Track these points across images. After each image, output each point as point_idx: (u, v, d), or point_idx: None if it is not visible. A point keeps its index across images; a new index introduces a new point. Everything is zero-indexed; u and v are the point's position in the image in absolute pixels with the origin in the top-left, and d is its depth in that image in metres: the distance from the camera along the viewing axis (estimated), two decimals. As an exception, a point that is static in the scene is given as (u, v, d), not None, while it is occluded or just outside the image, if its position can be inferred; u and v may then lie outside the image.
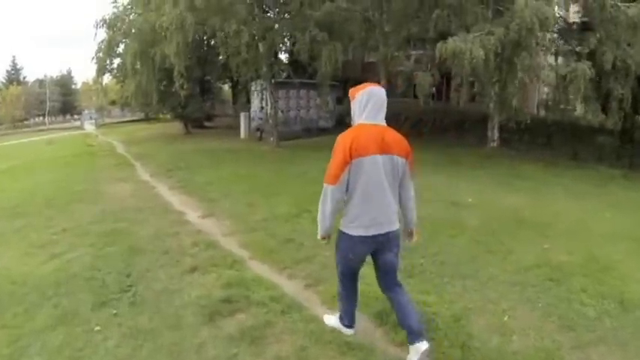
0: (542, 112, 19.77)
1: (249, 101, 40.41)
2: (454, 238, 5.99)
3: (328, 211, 2.98)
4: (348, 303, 3.43)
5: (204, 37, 26.72)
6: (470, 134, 18.73)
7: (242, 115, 22.61)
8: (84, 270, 5.08)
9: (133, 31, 18.48)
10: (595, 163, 14.41)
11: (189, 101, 24.53)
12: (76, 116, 61.74)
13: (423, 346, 3.02)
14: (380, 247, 3.06)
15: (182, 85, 16.20)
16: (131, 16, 19.54)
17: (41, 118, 61.52)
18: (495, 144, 16.54)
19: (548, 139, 16.50)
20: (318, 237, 3.13)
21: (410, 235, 3.34)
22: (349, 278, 3.32)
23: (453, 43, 12.95)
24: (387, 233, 3.02)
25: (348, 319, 3.46)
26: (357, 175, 2.90)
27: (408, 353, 3.12)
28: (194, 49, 23.63)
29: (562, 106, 16.59)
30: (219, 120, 34.20)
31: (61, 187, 9.96)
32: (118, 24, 19.74)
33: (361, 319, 3.68)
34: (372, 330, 3.70)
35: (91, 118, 45.86)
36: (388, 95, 3.21)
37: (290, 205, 7.74)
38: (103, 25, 19.80)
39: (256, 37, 15.37)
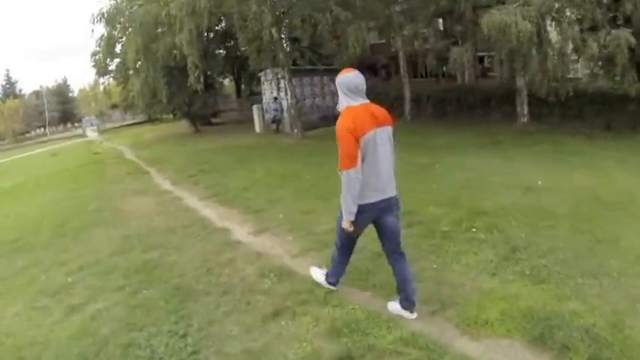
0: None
1: (252, 93, 39.10)
2: (554, 228, 5.20)
3: (354, 192, 3.13)
4: (341, 267, 3.78)
5: (205, 30, 25.23)
6: (495, 111, 17.85)
7: (255, 108, 20.98)
8: (118, 331, 3.64)
9: (134, 25, 16.66)
10: (631, 133, 13.75)
11: (194, 98, 22.98)
12: (76, 124, 60.42)
13: (412, 316, 3.43)
14: (381, 214, 3.28)
15: (198, 77, 14.52)
16: (132, 9, 17.61)
17: (42, 129, 60.17)
18: (526, 119, 15.72)
19: (579, 111, 15.46)
20: (345, 225, 3.27)
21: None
22: (348, 247, 3.63)
23: (498, 15, 11.97)
24: (389, 198, 3.27)
25: (335, 279, 3.84)
26: (364, 152, 3.11)
27: (394, 304, 3.53)
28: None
29: (570, 76, 15.96)
30: (225, 115, 32.79)
31: (70, 208, 8.42)
32: (117, 17, 17.84)
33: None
34: None
35: (92, 124, 44.32)
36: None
37: None
38: (100, 19, 17.88)
39: (270, 22, 13.64)
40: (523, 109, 15.75)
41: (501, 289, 3.73)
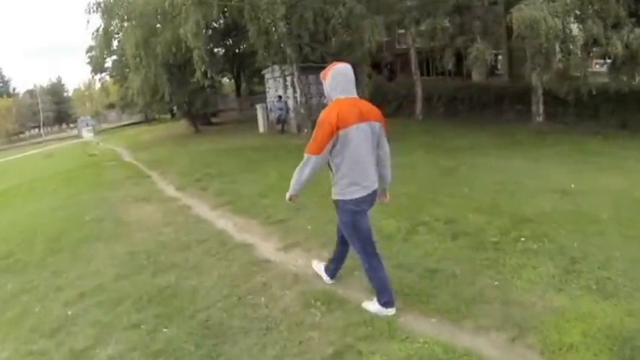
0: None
1: (252, 92, 38.28)
2: (603, 235, 4.82)
3: (305, 178, 3.23)
4: (380, 274, 3.42)
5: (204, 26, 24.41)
6: (508, 110, 17.53)
7: (259, 107, 20.13)
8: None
9: (134, 15, 15.65)
10: (647, 131, 13.42)
11: (195, 96, 22.17)
12: (71, 125, 59.22)
13: (329, 280, 3.90)
14: (368, 207, 3.35)
15: (205, 73, 13.65)
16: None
17: (36, 130, 58.93)
18: (541, 119, 15.24)
19: (594, 110, 15.19)
20: (287, 197, 3.43)
21: (383, 193, 3.57)
22: (369, 245, 3.40)
23: (527, 11, 11.48)
24: (373, 193, 3.32)
25: (388, 295, 3.41)
26: (344, 144, 3.13)
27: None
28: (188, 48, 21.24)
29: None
30: (224, 115, 31.99)
31: (66, 217, 7.56)
32: (115, 7, 16.74)
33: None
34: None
35: (87, 125, 43.25)
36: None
37: (393, 216, 5.52)
38: (97, 9, 16.70)
39: (283, 14, 12.76)
40: (538, 108, 15.27)
41: (573, 307, 3.40)
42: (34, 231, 6.87)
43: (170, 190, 9.23)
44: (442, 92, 20.03)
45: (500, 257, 4.30)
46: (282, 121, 18.96)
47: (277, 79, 19.44)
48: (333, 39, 15.49)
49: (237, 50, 31.69)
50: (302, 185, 3.30)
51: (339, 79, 3.25)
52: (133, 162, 15.41)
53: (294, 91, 17.24)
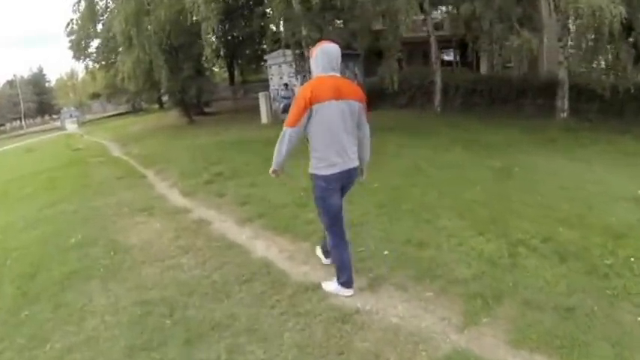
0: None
1: (245, 81, 36.34)
2: None
3: (284, 150, 3.27)
4: (342, 252, 3.48)
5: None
6: (529, 105, 16.72)
7: (261, 96, 18.31)
8: None
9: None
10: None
11: (189, 84, 20.24)
12: (54, 116, 56.55)
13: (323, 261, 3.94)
14: (345, 183, 3.39)
15: (217, 50, 11.72)
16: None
17: (18, 122, 56.15)
18: (566, 114, 14.47)
19: (620, 108, 14.45)
20: (270, 171, 3.46)
21: (361, 172, 3.63)
22: (335, 221, 3.43)
23: None
24: (349, 170, 3.34)
25: (346, 275, 3.47)
26: (317, 119, 3.19)
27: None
28: (182, 31, 19.28)
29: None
30: (217, 105, 29.94)
31: (45, 239, 5.69)
32: None
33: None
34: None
35: (71, 116, 40.88)
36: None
37: (480, 232, 4.63)
38: None
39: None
40: (564, 103, 14.46)
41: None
42: (1, 264, 5.02)
43: (175, 196, 7.49)
44: (460, 83, 18.61)
45: (625, 285, 3.56)
46: (288, 110, 17.18)
47: (282, 65, 17.65)
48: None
49: (231, 36, 29.84)
50: (283, 158, 3.32)
51: (321, 57, 3.29)
52: (124, 158, 13.59)
53: (304, 78, 15.51)
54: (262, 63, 36.42)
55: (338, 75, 3.30)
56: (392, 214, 5.41)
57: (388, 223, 5.08)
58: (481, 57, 24.91)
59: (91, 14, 16.22)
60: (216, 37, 30.09)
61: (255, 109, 19.05)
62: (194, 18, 11.45)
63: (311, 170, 3.35)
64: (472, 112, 17.21)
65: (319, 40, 14.18)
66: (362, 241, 4.47)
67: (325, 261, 4.02)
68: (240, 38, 28.41)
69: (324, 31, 13.11)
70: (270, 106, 18.35)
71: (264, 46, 23.58)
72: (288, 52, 16.91)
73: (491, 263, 3.92)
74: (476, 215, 5.16)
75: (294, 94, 17.04)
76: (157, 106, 34.69)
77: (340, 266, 3.49)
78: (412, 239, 4.46)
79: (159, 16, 12.45)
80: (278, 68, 17.95)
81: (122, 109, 40.00)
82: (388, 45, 14.00)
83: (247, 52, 30.28)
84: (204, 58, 13.17)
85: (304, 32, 12.75)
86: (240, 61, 33.16)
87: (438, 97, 17.29)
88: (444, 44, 23.31)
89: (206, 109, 25.92)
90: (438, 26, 18.36)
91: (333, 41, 3.49)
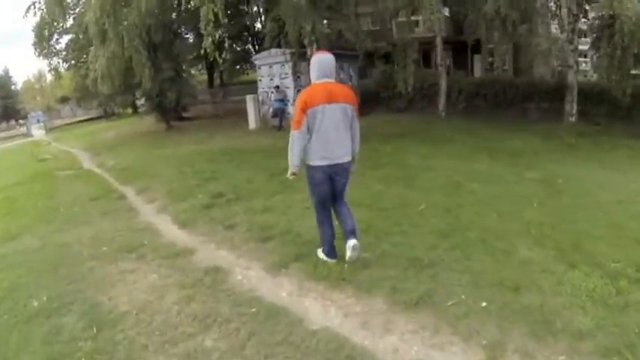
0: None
1: (224, 83, 34.55)
2: None
3: (296, 150, 3.74)
4: (325, 229, 4.09)
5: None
6: (533, 108, 16.57)
7: (249, 99, 16.72)
8: None
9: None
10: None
11: (167, 86, 18.47)
12: (21, 121, 53.64)
13: (352, 242, 3.83)
14: (333, 175, 3.87)
15: (221, 42, 10.04)
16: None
17: (-20, 128, 53.03)
18: (574, 118, 14.59)
19: (627, 111, 14.55)
20: (289, 174, 3.86)
21: (353, 161, 4.04)
22: (322, 204, 4.03)
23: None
24: (336, 165, 3.84)
25: (328, 248, 4.12)
26: (313, 122, 3.71)
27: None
28: (162, 27, 17.48)
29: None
30: (195, 109, 28.04)
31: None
32: None
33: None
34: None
35: (38, 121, 38.47)
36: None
37: (566, 260, 4.04)
38: None
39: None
40: (572, 107, 14.56)
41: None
42: None
43: (168, 227, 5.91)
44: (463, 87, 17.76)
45: None
46: (280, 114, 15.69)
47: (273, 65, 16.10)
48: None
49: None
50: (297, 158, 3.75)
51: (315, 66, 3.82)
52: (97, 171, 11.84)
53: (298, 79, 14.05)
54: (244, 65, 35.00)
55: (331, 81, 3.80)
56: (462, 246, 4.41)
57: (465, 259, 4.10)
58: (475, 60, 24.20)
59: (60, 8, 14.03)
60: (195, 38, 28.41)
61: (238, 113, 17.55)
62: (190, 3, 9.72)
63: (306, 162, 3.86)
64: (476, 116, 16.44)
65: (322, 36, 12.90)
66: (450, 290, 3.49)
67: (322, 256, 4.21)
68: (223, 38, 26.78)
69: (324, 27, 11.64)
70: (259, 110, 16.78)
71: (248, 47, 21.95)
72: (280, 51, 15.40)
73: (605, 305, 3.25)
74: (553, 241, 4.53)
75: (286, 97, 15.59)
76: (130, 110, 32.59)
77: (323, 240, 4.13)
78: (504, 280, 3.63)
79: (139, 6, 10.74)
80: (268, 69, 16.37)
81: (93, 113, 37.67)
82: (404, 45, 12.75)
83: (230, 52, 28.60)
84: (202, 52, 11.29)
85: (308, 28, 11.21)
86: (222, 62, 31.43)
87: (442, 101, 16.25)
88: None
89: (184, 114, 24.10)
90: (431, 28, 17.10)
91: (329, 51, 4.01)
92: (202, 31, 10.01)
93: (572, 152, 10.93)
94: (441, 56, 16.29)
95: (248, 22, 26.20)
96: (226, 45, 10.76)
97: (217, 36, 9.90)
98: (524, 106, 16.63)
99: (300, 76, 15.31)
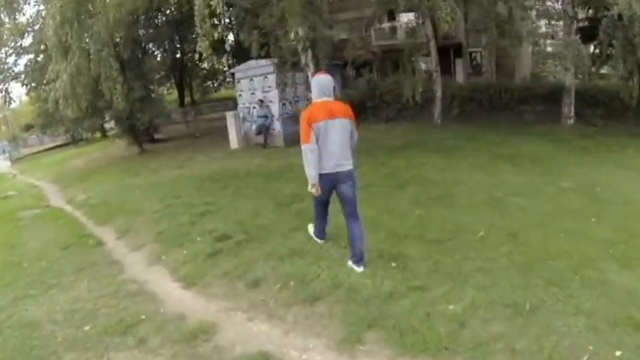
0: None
1: (194, 102, 33.12)
2: None
3: (311, 160, 4.02)
4: (320, 221, 4.73)
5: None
6: (528, 112, 16.40)
7: (230, 116, 15.39)
8: None
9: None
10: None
11: (138, 107, 17.02)
12: (-15, 153, 50.80)
13: (358, 269, 4.05)
14: (336, 183, 4.15)
15: (221, 42, 8.67)
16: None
17: (-61, 162, 49.94)
18: (572, 121, 14.64)
19: (622, 112, 14.46)
20: (310, 188, 4.12)
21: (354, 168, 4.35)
22: (321, 206, 4.52)
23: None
24: (337, 173, 4.11)
25: (319, 232, 4.83)
26: (317, 135, 4.01)
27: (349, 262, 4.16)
28: (131, 41, 16.07)
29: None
30: (166, 130, 26.46)
31: None
32: None
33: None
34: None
35: (3, 151, 36.13)
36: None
37: None
38: None
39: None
40: (570, 109, 14.61)
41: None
42: None
43: (166, 288, 4.63)
44: (456, 92, 17.35)
45: None
46: (263, 131, 14.44)
47: (254, 78, 14.84)
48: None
49: (182, 52, 26.76)
50: (314, 170, 4.02)
51: (315, 87, 4.20)
52: (67, 208, 10.38)
53: (283, 93, 12.91)
54: (216, 80, 33.66)
55: (330, 99, 4.17)
56: (556, 281, 3.75)
57: (567, 297, 3.44)
58: (457, 64, 23.95)
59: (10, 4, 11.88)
60: (164, 56, 27.00)
61: (214, 131, 16.29)
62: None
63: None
64: (472, 121, 15.97)
65: (315, 42, 11.80)
66: (574, 341, 2.86)
67: (312, 233, 4.96)
68: (191, 54, 25.55)
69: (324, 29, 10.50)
70: (240, 127, 15.49)
71: (223, 60, 20.70)
72: (262, 62, 14.20)
73: None
74: (638, 261, 4.17)
75: (270, 113, 14.42)
76: (99, 134, 30.72)
77: (315, 222, 4.82)
78: (620, 318, 3.11)
79: (107, 16, 9.32)
80: (249, 82, 15.08)
81: (60, 140, 35.55)
82: (410, 49, 11.93)
83: (199, 71, 27.46)
84: (197, 55, 9.87)
85: (300, 33, 10.03)
86: (192, 80, 30.05)
87: (438, 108, 15.46)
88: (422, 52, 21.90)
89: (157, 136, 22.58)
90: (412, 33, 16.29)
91: (326, 72, 4.51)
92: (198, 30, 8.55)
93: (585, 155, 10.82)
94: (435, 61, 15.37)
95: (222, 36, 25.31)
96: (227, 46, 9.36)
97: (216, 35, 8.48)
98: (520, 109, 16.45)
99: (285, 88, 14.11)
